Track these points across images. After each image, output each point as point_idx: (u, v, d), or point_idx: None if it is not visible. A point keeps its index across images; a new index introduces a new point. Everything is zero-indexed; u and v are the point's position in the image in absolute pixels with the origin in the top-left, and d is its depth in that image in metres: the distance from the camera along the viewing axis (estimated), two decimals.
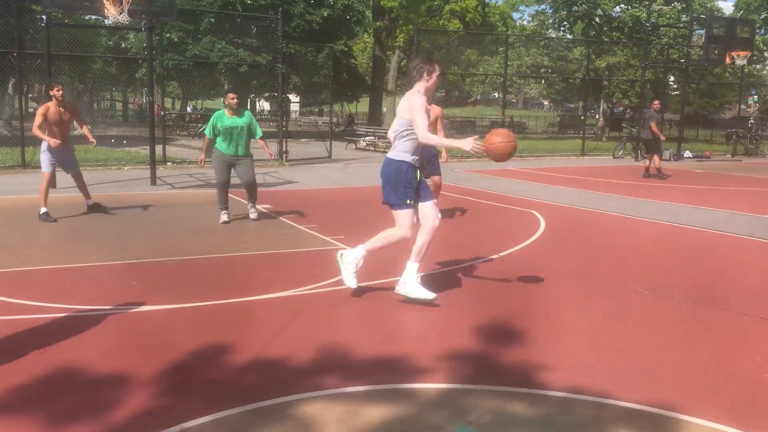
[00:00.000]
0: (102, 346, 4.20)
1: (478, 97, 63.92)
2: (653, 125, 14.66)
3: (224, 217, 8.54)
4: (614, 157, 21.87)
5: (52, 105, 8.53)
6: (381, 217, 9.57)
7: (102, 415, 3.25)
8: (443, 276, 6.14)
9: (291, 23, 25.82)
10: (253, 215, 8.80)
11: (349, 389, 3.62)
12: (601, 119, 34.92)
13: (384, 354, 4.14)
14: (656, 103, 15.31)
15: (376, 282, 5.79)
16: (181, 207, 9.93)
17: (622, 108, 39.96)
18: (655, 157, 14.91)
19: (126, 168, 15.06)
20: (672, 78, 33.17)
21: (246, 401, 3.41)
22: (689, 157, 22.09)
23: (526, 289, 5.77)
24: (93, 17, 14.99)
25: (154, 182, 12.38)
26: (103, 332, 4.47)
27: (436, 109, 8.79)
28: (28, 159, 13.97)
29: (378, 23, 37.48)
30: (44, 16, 11.42)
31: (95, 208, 9.13)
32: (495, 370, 3.94)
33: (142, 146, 17.90)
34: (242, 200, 9.28)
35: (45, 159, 8.70)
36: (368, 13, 36.67)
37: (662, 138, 15.10)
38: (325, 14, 27.73)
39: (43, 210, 8.48)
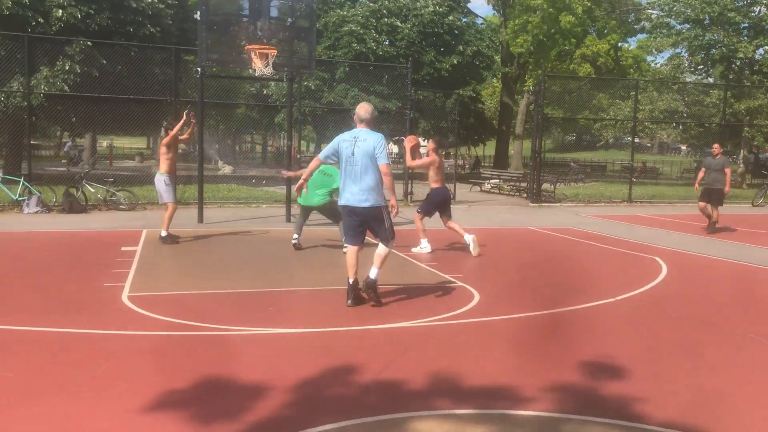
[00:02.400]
0: (243, 361, 4.82)
1: (610, 141, 62.42)
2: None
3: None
4: (753, 206, 20.80)
5: None
6: (501, 258, 9.87)
7: (240, 417, 3.81)
8: (560, 314, 6.36)
9: (421, 71, 26.83)
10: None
11: (458, 411, 3.98)
12: (741, 165, 33.17)
13: (492, 382, 4.46)
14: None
15: (490, 318, 6.13)
16: (312, 243, 10.66)
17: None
18: None
19: (264, 206, 16.24)
20: None
21: (365, 415, 3.86)
22: None
23: (640, 331, 5.88)
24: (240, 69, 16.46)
25: (289, 220, 13.33)
26: (243, 349, 5.12)
27: (412, 140, 9.64)
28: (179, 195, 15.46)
29: (506, 69, 37.93)
30: (199, 69, 12.74)
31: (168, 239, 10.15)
32: (597, 402, 4.16)
33: (279, 186, 19.21)
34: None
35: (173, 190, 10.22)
36: (497, 58, 37.23)
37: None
38: (455, 61, 28.55)
39: (164, 233, 10.00)
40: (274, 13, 12.22)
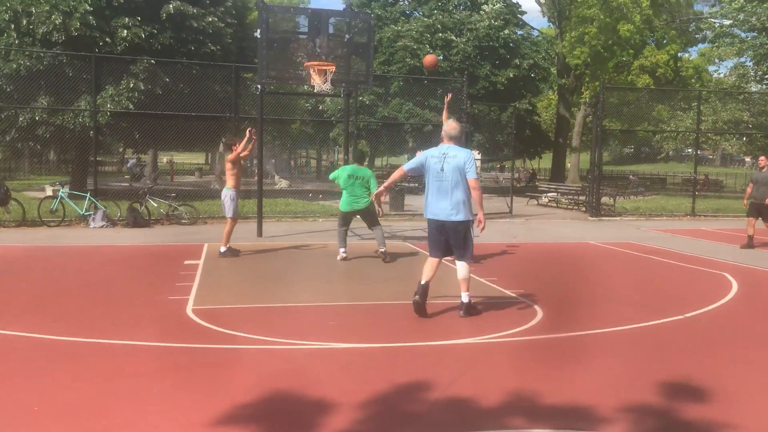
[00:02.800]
0: (308, 376, 4.80)
1: (670, 153, 60.91)
2: None
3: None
4: None
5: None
6: (562, 273, 9.66)
7: None
8: (627, 332, 6.16)
9: (476, 85, 26.69)
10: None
11: (534, 431, 3.86)
12: None
13: (565, 401, 4.32)
14: None
15: (555, 335, 5.97)
16: (368, 257, 10.63)
17: None
18: None
19: (320, 220, 16.34)
20: None
21: None
22: None
23: (712, 350, 5.63)
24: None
25: None
26: (308, 364, 5.10)
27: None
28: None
29: (563, 80, 37.45)
30: (259, 86, 12.92)
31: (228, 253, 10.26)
32: (677, 425, 3.98)
33: (334, 200, 19.30)
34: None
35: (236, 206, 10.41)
36: (553, 71, 36.80)
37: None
38: (511, 75, 28.32)
39: (224, 249, 10.15)
40: (331, 30, 12.33)
